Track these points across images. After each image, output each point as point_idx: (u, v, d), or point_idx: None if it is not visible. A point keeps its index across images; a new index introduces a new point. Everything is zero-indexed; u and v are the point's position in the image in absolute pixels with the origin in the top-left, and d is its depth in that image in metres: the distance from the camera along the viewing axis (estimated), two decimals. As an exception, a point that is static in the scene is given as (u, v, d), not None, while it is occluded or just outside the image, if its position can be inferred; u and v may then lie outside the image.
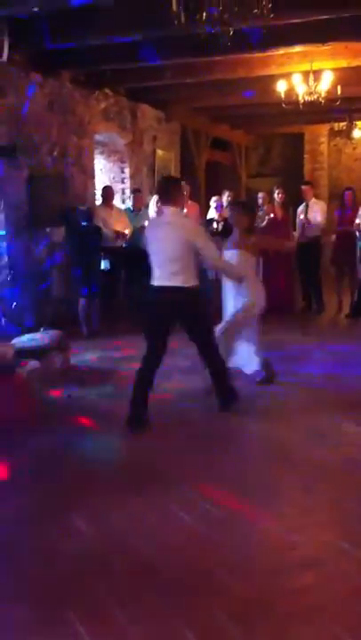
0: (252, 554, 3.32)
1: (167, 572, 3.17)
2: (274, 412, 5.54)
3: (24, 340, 6.72)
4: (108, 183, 10.55)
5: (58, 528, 3.63)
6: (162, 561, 3.29)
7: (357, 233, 9.66)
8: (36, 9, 6.10)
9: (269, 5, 4.73)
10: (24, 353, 6.15)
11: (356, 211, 9.77)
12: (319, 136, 16.35)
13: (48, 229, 8.74)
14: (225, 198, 10.69)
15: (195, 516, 3.72)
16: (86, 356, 7.60)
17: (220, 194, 11.00)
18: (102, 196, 9.65)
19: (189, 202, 10.71)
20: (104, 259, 8.92)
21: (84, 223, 8.48)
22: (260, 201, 10.89)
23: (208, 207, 10.87)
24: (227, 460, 4.58)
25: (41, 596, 3.01)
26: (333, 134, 15.33)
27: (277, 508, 3.83)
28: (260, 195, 11.05)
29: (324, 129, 15.77)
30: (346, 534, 3.46)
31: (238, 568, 3.19)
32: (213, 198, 10.71)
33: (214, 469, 4.41)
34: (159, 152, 12.31)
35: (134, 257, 9.79)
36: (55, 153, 8.90)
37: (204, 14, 4.81)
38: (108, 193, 9.65)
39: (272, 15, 4.92)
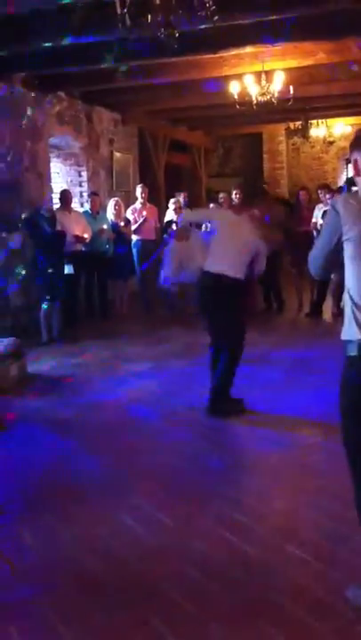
0: (202, 565, 3.25)
1: (114, 588, 3.10)
2: (230, 424, 5.42)
3: (-21, 348, 6.63)
4: (65, 187, 10.48)
5: (2, 542, 3.56)
6: (110, 576, 3.22)
7: (314, 232, 9.72)
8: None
9: (213, 8, 4.70)
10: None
11: (312, 210, 9.84)
12: (277, 135, 16.45)
13: (4, 234, 8.63)
14: (180, 200, 10.66)
15: (144, 527, 3.66)
16: (45, 362, 7.53)
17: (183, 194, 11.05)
18: (60, 199, 9.58)
19: (148, 204, 10.73)
20: (67, 263, 8.85)
21: (47, 228, 8.39)
22: (220, 201, 10.91)
23: (167, 209, 10.85)
24: (178, 468, 4.50)
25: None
26: (291, 134, 15.42)
27: (230, 516, 3.76)
28: (221, 195, 11.08)
29: (281, 129, 15.87)
30: (300, 543, 3.42)
31: (188, 580, 3.13)
32: (172, 200, 10.70)
33: (166, 478, 4.34)
34: (117, 155, 12.26)
35: (94, 261, 9.77)
36: (9, 158, 8.79)
37: (149, 17, 4.77)
38: (66, 197, 9.58)
39: (217, 17, 4.90)
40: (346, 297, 2.71)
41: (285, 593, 2.99)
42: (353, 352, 2.63)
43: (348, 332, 2.66)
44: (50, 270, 8.32)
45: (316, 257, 2.91)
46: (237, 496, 4.05)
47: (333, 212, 2.74)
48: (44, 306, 8.38)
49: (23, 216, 8.69)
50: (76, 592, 3.09)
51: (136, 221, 10.46)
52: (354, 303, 2.65)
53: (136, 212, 10.56)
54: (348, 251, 2.70)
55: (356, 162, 2.76)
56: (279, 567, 3.21)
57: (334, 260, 2.79)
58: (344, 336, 2.68)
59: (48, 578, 3.23)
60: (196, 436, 5.11)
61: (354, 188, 2.86)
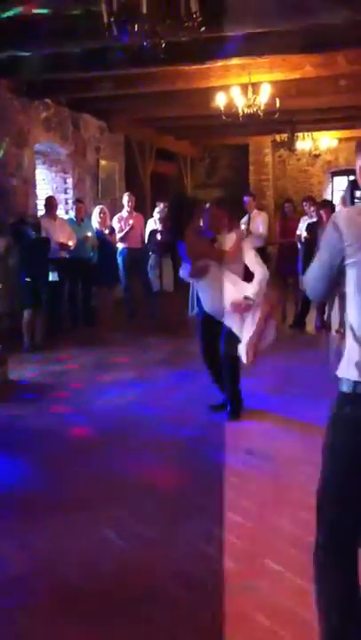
0: (184, 579, 3.23)
1: (94, 601, 3.07)
2: (210, 431, 5.44)
3: None
4: (50, 193, 10.45)
5: None
6: (89, 587, 3.19)
7: (299, 244, 9.76)
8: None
9: (199, 19, 4.72)
10: None
11: (297, 222, 9.88)
12: (263, 147, 16.52)
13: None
14: (160, 210, 10.63)
15: (125, 540, 3.63)
16: (27, 370, 7.48)
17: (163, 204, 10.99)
18: (45, 206, 9.55)
19: (134, 213, 10.71)
20: (51, 270, 8.82)
21: (32, 234, 8.35)
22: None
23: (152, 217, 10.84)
24: (160, 480, 4.46)
25: None
26: (277, 146, 15.51)
27: (211, 530, 3.73)
28: (208, 205, 11.05)
29: (267, 140, 15.94)
30: (278, 556, 3.39)
31: (166, 594, 3.10)
32: (157, 209, 10.69)
33: (147, 490, 4.29)
34: (103, 162, 12.25)
35: (78, 268, 9.74)
36: (-6, 163, 8.76)
37: (135, 26, 4.78)
38: (51, 203, 9.55)
39: (203, 28, 4.92)
40: (348, 332, 2.37)
41: (264, 610, 2.96)
42: (347, 389, 2.33)
43: (346, 370, 2.35)
44: (33, 277, 8.28)
45: (315, 281, 2.51)
46: (220, 510, 4.00)
47: (333, 230, 2.32)
48: (27, 312, 8.33)
49: (8, 222, 8.64)
50: (55, 604, 3.06)
51: (122, 229, 10.44)
52: (356, 340, 2.32)
53: (122, 221, 10.54)
54: (351, 278, 2.31)
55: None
56: (259, 582, 3.19)
57: (336, 285, 2.44)
58: (341, 373, 2.37)
59: (27, 590, 3.18)
60: (180, 447, 5.07)
61: (358, 194, 2.62)
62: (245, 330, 5.42)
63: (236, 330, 5.45)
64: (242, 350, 5.42)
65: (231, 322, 5.45)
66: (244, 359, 5.45)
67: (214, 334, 5.57)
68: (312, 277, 2.51)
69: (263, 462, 4.72)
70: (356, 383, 2.30)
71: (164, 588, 3.16)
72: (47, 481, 4.51)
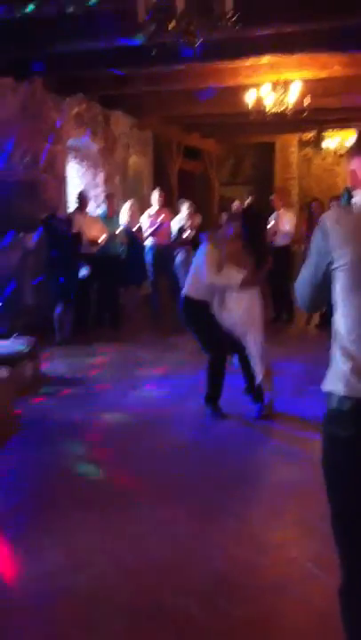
0: (213, 578, 3.25)
1: (127, 599, 3.11)
2: (240, 431, 5.46)
3: (-6, 346, 6.70)
4: (81, 189, 10.56)
5: (16, 549, 3.56)
6: (124, 584, 3.24)
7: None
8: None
9: (234, 18, 4.82)
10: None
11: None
12: (290, 146, 16.56)
13: (21, 234, 8.74)
14: (188, 207, 10.70)
15: (158, 539, 3.65)
16: (59, 364, 7.58)
17: (191, 201, 11.10)
18: (77, 201, 9.63)
19: (163, 209, 10.78)
20: (82, 265, 8.93)
21: (64, 229, 8.48)
22: (233, 209, 10.99)
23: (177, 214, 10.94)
24: (191, 480, 4.46)
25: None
26: (303, 144, 15.53)
27: (240, 528, 3.76)
28: (236, 203, 11.16)
29: (294, 139, 15.98)
30: (311, 555, 3.39)
31: (200, 593, 3.12)
32: (185, 205, 10.76)
33: (177, 489, 4.31)
34: (132, 159, 12.38)
35: (107, 264, 9.81)
36: (27, 158, 8.91)
37: (171, 25, 4.89)
38: (83, 198, 9.62)
39: (238, 27, 5.02)
40: (335, 342, 2.20)
41: (298, 607, 3.01)
42: (335, 405, 2.21)
43: (332, 382, 2.20)
44: (65, 271, 8.40)
45: (302, 287, 2.34)
46: (249, 509, 4.03)
47: (321, 234, 2.17)
48: (59, 307, 8.46)
49: (40, 217, 8.78)
50: (89, 601, 3.10)
51: (151, 226, 10.52)
52: (343, 350, 2.14)
53: (151, 217, 10.62)
54: (339, 282, 2.14)
55: (354, 172, 2.30)
56: (291, 581, 3.22)
57: (326, 292, 2.22)
58: (326, 386, 2.23)
59: (61, 585, 3.23)
60: (206, 443, 5.13)
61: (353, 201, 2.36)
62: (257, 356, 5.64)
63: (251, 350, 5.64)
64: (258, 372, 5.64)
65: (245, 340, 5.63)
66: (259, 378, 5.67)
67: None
68: (300, 283, 2.35)
69: (294, 462, 4.70)
70: (342, 399, 2.14)
71: (197, 587, 3.18)
72: (80, 474, 4.56)
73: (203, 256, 5.65)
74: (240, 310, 5.61)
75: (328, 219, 2.18)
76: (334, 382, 2.16)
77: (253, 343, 5.61)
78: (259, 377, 5.65)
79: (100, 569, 3.36)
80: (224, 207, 12.19)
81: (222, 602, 3.05)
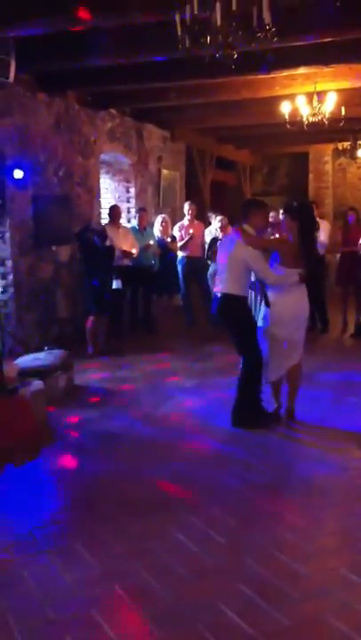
0: (256, 584, 3.26)
1: (169, 603, 3.13)
2: (278, 442, 5.47)
3: (28, 359, 6.72)
4: (113, 202, 10.60)
5: (52, 559, 3.59)
6: (163, 588, 3.25)
7: (361, 253, 9.67)
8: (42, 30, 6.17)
9: (273, 30, 4.76)
10: (28, 373, 6.14)
11: (360, 231, 9.80)
12: (324, 155, 16.45)
13: (54, 248, 8.78)
14: (220, 219, 10.64)
15: (197, 544, 3.68)
16: (91, 375, 7.61)
17: (223, 213, 11.03)
18: (109, 215, 9.67)
19: (195, 221, 10.77)
20: (115, 278, 8.95)
21: (98, 242, 8.49)
22: (270, 220, 10.87)
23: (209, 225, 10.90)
24: (230, 487, 4.49)
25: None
26: (338, 154, 15.41)
27: (280, 535, 3.78)
28: (272, 214, 11.04)
29: (328, 148, 15.87)
30: (352, 565, 3.41)
31: (239, 598, 3.14)
32: (218, 217, 10.72)
33: (216, 496, 4.35)
34: (164, 172, 12.38)
35: (140, 276, 9.85)
36: (61, 173, 8.95)
37: (208, 38, 4.84)
38: (115, 212, 9.67)
39: (275, 39, 4.95)
40: None
41: (338, 614, 2.98)
42: None
43: None
44: (98, 284, 8.41)
45: None
46: (286, 515, 4.05)
47: None
48: (92, 318, 8.47)
49: (75, 230, 8.81)
50: (130, 606, 3.11)
51: (183, 238, 10.51)
52: None
53: (183, 229, 10.60)
54: None
55: None
56: (333, 589, 3.21)
57: None
58: None
59: (102, 591, 3.25)
60: (244, 453, 5.11)
61: None
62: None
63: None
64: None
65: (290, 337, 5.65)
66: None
67: None
68: None
69: (331, 472, 4.72)
70: None
71: (240, 593, 3.19)
72: (115, 484, 4.58)
73: (245, 252, 5.54)
74: (289, 307, 5.64)
75: None
76: None
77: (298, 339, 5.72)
78: (270, 377, 5.79)
79: (141, 575, 3.38)
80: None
81: (265, 608, 3.06)
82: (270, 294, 5.76)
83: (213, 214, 11.04)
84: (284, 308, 5.64)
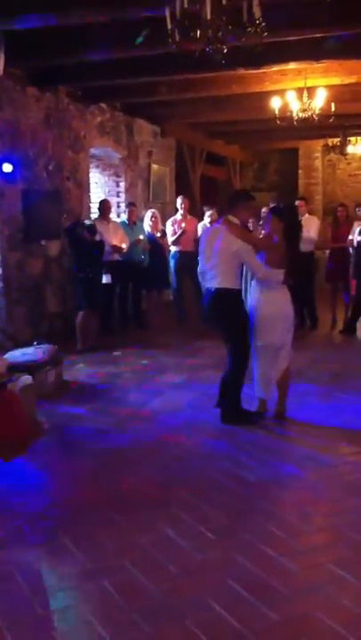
0: (245, 580, 3.25)
1: (158, 599, 3.13)
2: (263, 437, 5.45)
3: (17, 354, 6.69)
4: (103, 197, 10.57)
5: (40, 555, 3.58)
6: (153, 584, 3.24)
7: (350, 249, 9.70)
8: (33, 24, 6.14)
9: (263, 24, 4.75)
10: (17, 367, 6.11)
11: (349, 227, 9.82)
12: (313, 151, 16.45)
13: (43, 242, 8.75)
14: (211, 213, 10.64)
15: (187, 540, 3.67)
16: (81, 370, 7.59)
17: (214, 208, 11.02)
18: (99, 209, 9.66)
19: (188, 216, 10.77)
20: (105, 273, 8.94)
21: (88, 237, 8.47)
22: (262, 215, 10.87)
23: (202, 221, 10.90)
24: (220, 484, 4.49)
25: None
26: (328, 150, 15.43)
27: (269, 532, 3.77)
28: (264, 210, 11.03)
29: (318, 144, 15.87)
30: (340, 561, 3.41)
31: (229, 595, 3.13)
32: (208, 212, 10.72)
33: (206, 492, 4.33)
34: (154, 166, 12.36)
35: (130, 270, 9.83)
36: (51, 167, 8.92)
37: (198, 32, 4.83)
38: (105, 206, 9.66)
39: (266, 34, 4.95)
40: None
41: (327, 610, 2.99)
42: None
43: None
44: (88, 279, 8.40)
45: None
46: (275, 511, 4.05)
47: None
48: (81, 314, 8.46)
49: (65, 225, 8.79)
50: (119, 602, 3.10)
51: (175, 233, 10.50)
52: None
53: (176, 224, 10.60)
54: None
55: None
56: (322, 585, 3.22)
57: None
58: None
59: (91, 586, 3.25)
60: (233, 449, 5.11)
61: None
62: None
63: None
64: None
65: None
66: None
67: None
68: None
69: (320, 468, 4.73)
70: None
71: (229, 588, 3.19)
72: (104, 480, 4.57)
73: (237, 245, 5.50)
74: (276, 307, 5.65)
75: None
76: None
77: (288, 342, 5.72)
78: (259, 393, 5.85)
79: (130, 571, 3.37)
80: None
81: (255, 604, 3.06)
82: (255, 294, 5.76)
83: (209, 209, 11.03)
84: (270, 307, 5.62)
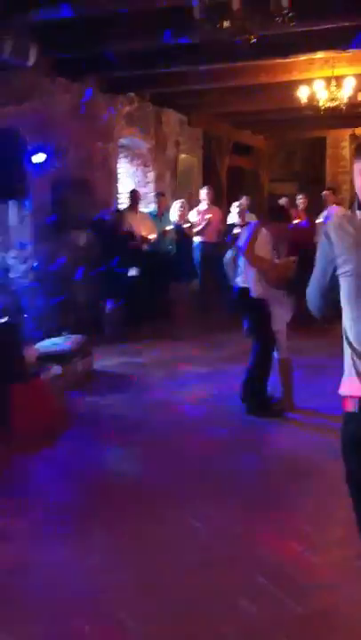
0: (268, 574, 3.24)
1: (182, 594, 3.13)
2: (286, 430, 5.47)
3: (47, 344, 6.76)
4: (132, 187, 10.59)
5: (67, 544, 3.60)
6: (174, 577, 3.26)
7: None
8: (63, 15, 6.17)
9: (291, 14, 4.75)
10: (47, 358, 6.20)
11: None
12: (341, 140, 16.28)
13: (73, 232, 8.81)
14: (242, 203, 10.63)
15: (212, 535, 3.67)
16: (109, 360, 7.64)
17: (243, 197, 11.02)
18: (129, 199, 9.68)
19: (212, 207, 10.76)
20: (133, 263, 8.97)
21: (116, 227, 8.51)
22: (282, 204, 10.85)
23: (230, 212, 10.89)
24: (242, 477, 4.49)
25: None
26: (355, 139, 15.27)
27: (293, 525, 3.77)
28: (283, 200, 11.01)
29: (345, 133, 15.72)
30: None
31: (253, 588, 3.13)
32: (235, 203, 10.71)
33: (228, 485, 4.33)
34: (182, 156, 12.36)
35: (157, 261, 9.83)
36: (80, 157, 8.96)
37: (226, 22, 4.85)
38: (134, 197, 9.67)
39: (293, 23, 4.95)
40: (344, 344, 2.27)
41: (354, 605, 3.00)
42: (353, 409, 2.32)
43: (348, 386, 2.30)
44: (115, 269, 8.45)
45: (312, 294, 2.35)
46: (298, 504, 4.05)
47: (326, 240, 2.20)
48: (109, 304, 8.51)
49: (93, 215, 8.83)
50: (141, 595, 3.11)
51: (200, 223, 10.50)
52: (354, 351, 2.21)
53: (200, 214, 10.59)
54: (343, 288, 2.19)
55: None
56: (345, 580, 3.21)
57: (334, 298, 2.24)
58: (343, 391, 2.33)
59: (113, 577, 3.26)
60: (257, 441, 5.14)
61: None
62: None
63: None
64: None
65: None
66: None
67: None
68: (310, 291, 2.36)
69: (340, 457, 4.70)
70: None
71: (253, 582, 3.18)
72: (131, 470, 4.62)
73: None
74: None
75: (332, 226, 2.19)
76: (352, 386, 2.28)
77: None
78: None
79: (153, 563, 3.38)
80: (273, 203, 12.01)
81: (279, 598, 3.05)
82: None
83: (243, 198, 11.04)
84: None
